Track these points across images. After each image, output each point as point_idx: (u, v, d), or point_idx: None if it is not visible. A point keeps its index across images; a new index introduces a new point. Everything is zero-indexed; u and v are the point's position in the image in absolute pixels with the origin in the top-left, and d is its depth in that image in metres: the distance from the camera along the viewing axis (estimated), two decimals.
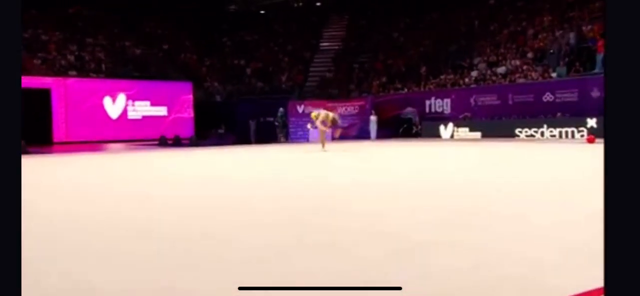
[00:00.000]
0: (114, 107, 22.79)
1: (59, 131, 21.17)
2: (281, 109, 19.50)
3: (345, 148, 13.76)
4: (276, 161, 9.16)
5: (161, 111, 24.04)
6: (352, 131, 22.37)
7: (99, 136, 21.89)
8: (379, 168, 7.86)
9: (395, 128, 20.90)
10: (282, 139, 19.21)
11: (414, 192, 5.62)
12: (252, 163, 8.56)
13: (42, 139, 20.06)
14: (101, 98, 22.42)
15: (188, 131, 24.36)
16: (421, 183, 6.10)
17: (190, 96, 24.77)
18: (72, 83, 21.80)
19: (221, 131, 24.65)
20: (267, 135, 20.39)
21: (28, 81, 19.10)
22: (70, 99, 21.55)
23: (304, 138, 21.57)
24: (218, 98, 26.28)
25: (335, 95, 24.93)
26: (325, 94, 25.28)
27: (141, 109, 23.48)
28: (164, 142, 17.68)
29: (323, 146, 10.55)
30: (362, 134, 21.55)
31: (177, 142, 17.66)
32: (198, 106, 24.83)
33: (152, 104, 23.71)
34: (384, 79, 24.58)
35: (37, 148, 16.64)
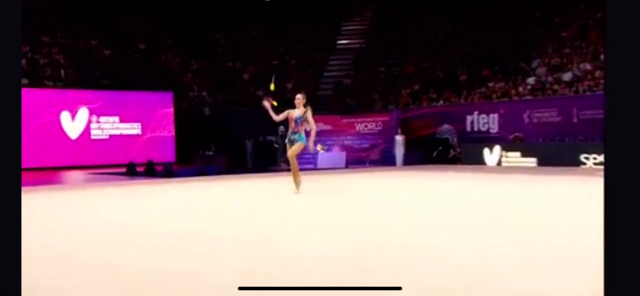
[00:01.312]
0: (73, 124, 23.11)
1: None
2: (282, 128, 19.50)
3: (358, 180, 13.57)
4: (266, 203, 8.87)
5: (133, 129, 24.37)
6: (373, 154, 22.23)
7: (54, 161, 22.17)
8: (402, 231, 5.93)
9: (428, 151, 20.69)
10: (284, 165, 19.20)
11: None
12: (240, 207, 8.33)
13: None
14: (58, 114, 22.75)
15: (167, 154, 24.55)
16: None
17: (171, 109, 25.05)
18: (23, 93, 22.00)
19: (210, 153, 24.81)
20: (268, 158, 20.40)
21: None
22: (21, 114, 21.88)
23: (311, 163, 21.51)
24: (206, 111, 26.54)
25: (354, 108, 24.88)
26: (341, 106, 25.28)
27: (107, 127, 23.81)
28: (132, 171, 17.79)
29: (296, 182, 9.11)
30: (386, 158, 21.46)
31: (149, 171, 17.74)
32: (181, 121, 25.20)
33: (122, 120, 24.05)
34: (415, 87, 24.46)
35: None
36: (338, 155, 21.44)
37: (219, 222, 6.68)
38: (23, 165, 20.49)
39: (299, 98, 9.18)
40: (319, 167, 20.39)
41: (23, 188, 12.43)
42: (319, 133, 23.34)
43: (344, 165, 20.18)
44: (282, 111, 9.61)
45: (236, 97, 26.93)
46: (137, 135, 24.33)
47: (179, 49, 28.22)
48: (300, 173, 9.53)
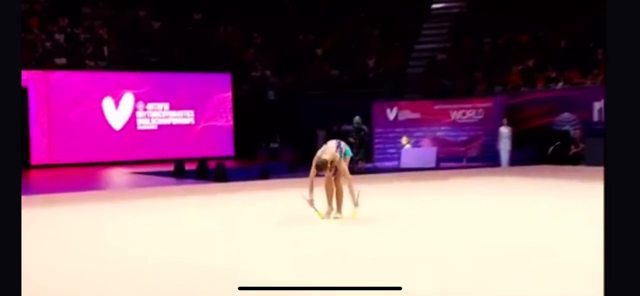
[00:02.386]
0: (117, 112, 23.89)
1: (38, 149, 22.60)
2: (357, 118, 19.37)
3: (449, 190, 13.26)
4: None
5: (185, 118, 24.93)
6: (471, 150, 21.77)
7: (95, 156, 23.02)
8: None
9: (541, 147, 20.04)
10: (360, 163, 19.11)
11: None
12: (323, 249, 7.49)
13: None
14: (99, 101, 23.59)
15: (225, 147, 25.02)
16: None
17: (229, 93, 25.48)
18: (58, 78, 23.11)
19: (275, 145, 25.15)
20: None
21: None
22: (55, 102, 22.87)
23: (395, 159, 21.33)
24: (271, 95, 26.86)
25: (450, 91, 24.42)
26: (434, 89, 24.86)
27: (156, 115, 24.47)
28: (180, 171, 18.21)
29: (337, 208, 8.93)
30: (488, 155, 21.00)
31: (201, 171, 18.09)
32: (241, 108, 25.53)
33: (173, 107, 24.65)
34: (529, 63, 23.71)
35: None
36: (427, 151, 21.23)
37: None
38: (62, 160, 21.62)
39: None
40: (402, 165, 20.29)
41: (54, 196, 13.08)
42: (403, 124, 23.20)
43: (433, 164, 19.96)
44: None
45: (307, 78, 27.06)
46: (190, 125, 24.88)
47: (240, 19, 28.70)
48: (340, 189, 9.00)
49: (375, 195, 12.47)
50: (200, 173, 17.83)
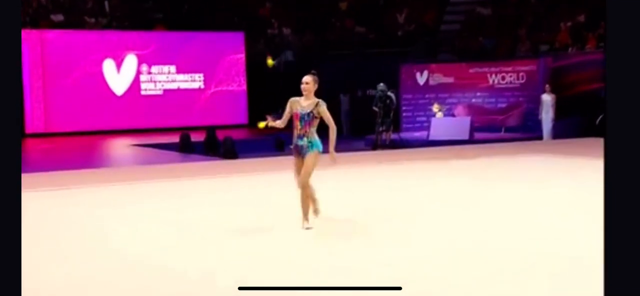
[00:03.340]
0: (119, 76, 23.87)
1: (33, 117, 22.64)
2: (382, 85, 19.16)
3: (480, 174, 13.02)
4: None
5: (194, 82, 24.84)
6: (510, 119, 21.40)
7: (95, 125, 22.96)
8: None
9: (589, 117, 19.72)
10: (385, 134, 18.98)
11: None
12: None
13: None
14: (99, 63, 23.52)
15: (237, 114, 24.91)
16: None
17: (243, 55, 25.35)
18: (54, 38, 23.02)
19: None
20: (368, 121, 20.34)
21: None
22: (51, 64, 22.87)
23: (424, 129, 21.14)
24: (289, 56, 26.59)
25: (490, 51, 24.05)
26: (471, 49, 24.51)
27: (161, 79, 24.41)
28: (186, 144, 18.14)
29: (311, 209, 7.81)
30: (528, 125, 20.54)
31: (210, 144, 18.00)
32: (255, 71, 25.26)
33: (180, 70, 24.56)
34: (580, 19, 23.28)
35: None
36: (460, 121, 20.82)
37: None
38: (57, 129, 21.82)
39: (309, 82, 7.63)
40: (432, 137, 19.97)
41: (47, 176, 13.18)
42: (435, 89, 22.94)
43: (467, 136, 19.57)
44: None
45: (328, 36, 26.76)
46: (199, 90, 24.84)
47: None
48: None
49: (395, 178, 12.19)
50: (208, 147, 17.79)
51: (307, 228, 7.53)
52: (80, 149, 19.03)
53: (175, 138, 19.01)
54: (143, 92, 24.31)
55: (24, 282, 5.40)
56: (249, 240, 7.24)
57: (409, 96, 23.08)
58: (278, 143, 19.07)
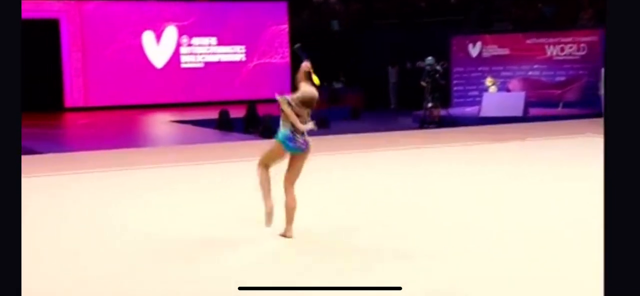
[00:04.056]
0: (158, 48, 24.24)
1: (72, 90, 23.08)
2: (430, 59, 19.27)
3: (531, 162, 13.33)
4: None
5: (235, 54, 25.15)
6: (569, 93, 21.19)
7: (134, 99, 23.25)
8: None
9: None
10: (434, 111, 19.07)
11: None
12: None
13: (46, 103, 22.27)
14: (138, 35, 23.90)
15: (280, 88, 24.99)
16: None
17: (286, 25, 25.52)
18: (93, 9, 23.29)
19: (338, 85, 25.39)
20: (416, 95, 20.51)
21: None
22: (90, 37, 23.23)
23: (476, 104, 21.20)
24: (335, 25, 26.84)
25: (549, 19, 23.80)
26: (529, 18, 24.32)
27: (202, 51, 24.75)
28: (225, 122, 18.38)
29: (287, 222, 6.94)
30: (587, 100, 20.19)
31: (250, 120, 18.21)
32: (299, 42, 25.42)
33: (221, 42, 24.85)
34: None
35: (34, 122, 18.88)
36: (513, 96, 20.60)
37: None
38: (96, 103, 22.55)
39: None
40: (483, 114, 19.89)
41: (84, 156, 13.72)
42: (488, 62, 22.92)
43: (521, 112, 19.38)
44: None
45: (376, 5, 26.57)
46: (241, 63, 25.06)
47: None
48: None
49: (441, 162, 12.13)
50: (248, 123, 18.19)
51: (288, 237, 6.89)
52: (117, 127, 19.41)
53: (215, 114, 19.02)
54: (183, 65, 24.41)
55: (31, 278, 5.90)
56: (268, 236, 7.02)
57: (461, 69, 23.04)
58: (320, 121, 19.37)
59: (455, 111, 20.91)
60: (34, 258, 6.48)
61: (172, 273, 6.08)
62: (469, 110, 21.37)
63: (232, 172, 11.59)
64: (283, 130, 6.77)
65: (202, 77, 24.55)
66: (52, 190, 10.28)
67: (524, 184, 9.80)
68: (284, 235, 6.82)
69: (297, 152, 6.79)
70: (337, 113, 21.21)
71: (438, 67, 19.28)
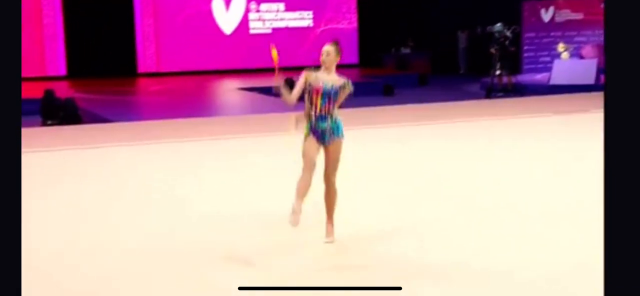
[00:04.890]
0: (227, 15, 24.20)
1: (145, 56, 23.42)
2: (499, 25, 18.74)
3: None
4: None
5: (303, 20, 24.65)
6: None
7: (204, 64, 23.48)
8: None
9: None
10: (505, 77, 18.59)
11: None
12: None
13: (120, 69, 23.10)
14: (209, 2, 23.92)
15: (348, 53, 24.77)
16: None
17: None
18: None
19: (406, 51, 25.04)
20: (486, 61, 20.04)
21: None
22: (162, 3, 23.44)
23: (547, 70, 20.59)
24: None
25: None
26: None
27: (270, 17, 24.47)
28: (290, 82, 18.43)
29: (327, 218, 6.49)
30: None
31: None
32: (366, 7, 24.56)
33: (289, 8, 24.46)
34: None
35: (108, 88, 19.33)
36: (584, 63, 19.77)
37: None
38: (168, 69, 22.76)
39: (330, 53, 6.34)
40: (553, 81, 19.25)
41: (156, 125, 13.91)
42: (561, 27, 22.19)
43: (593, 80, 18.60)
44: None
45: None
46: (308, 28, 24.64)
47: None
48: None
49: (502, 138, 11.94)
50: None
51: (329, 242, 6.36)
52: (187, 94, 19.78)
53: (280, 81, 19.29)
54: (251, 31, 24.35)
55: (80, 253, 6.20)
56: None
57: (532, 35, 22.34)
58: (386, 89, 19.18)
59: (525, 78, 20.35)
60: (85, 232, 6.85)
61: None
62: (540, 77, 20.76)
63: (292, 145, 11.43)
64: (340, 122, 6.30)
65: (270, 43, 24.32)
66: (117, 160, 10.60)
67: (588, 164, 9.12)
68: (327, 239, 6.37)
69: (323, 142, 6.19)
70: (404, 80, 20.94)
71: (508, 33, 18.73)
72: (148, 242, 6.54)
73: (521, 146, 10.98)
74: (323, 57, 6.31)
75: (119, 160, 10.65)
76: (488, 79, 18.67)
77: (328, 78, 6.25)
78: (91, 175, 9.68)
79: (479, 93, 18.95)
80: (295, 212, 5.89)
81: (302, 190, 6.00)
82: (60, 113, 14.63)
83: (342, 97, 6.26)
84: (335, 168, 6.26)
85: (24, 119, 14.62)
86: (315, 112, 6.19)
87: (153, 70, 23.73)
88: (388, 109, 16.03)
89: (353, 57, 25.45)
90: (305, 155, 6.14)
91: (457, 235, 6.61)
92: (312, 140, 6.17)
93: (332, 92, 6.19)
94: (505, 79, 18.43)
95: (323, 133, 6.15)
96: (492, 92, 18.18)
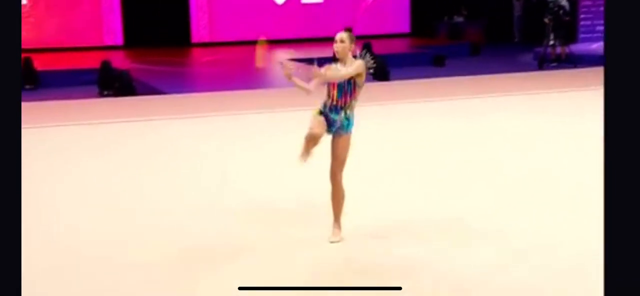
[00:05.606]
0: None
1: (198, 26, 23.45)
2: None
3: None
4: None
5: None
6: None
7: (257, 34, 23.53)
8: None
9: None
10: (559, 47, 18.15)
11: None
12: None
13: (174, 38, 23.05)
14: None
15: (399, 22, 24.51)
16: None
17: None
18: None
19: (459, 19, 24.60)
20: (541, 30, 19.63)
21: None
22: None
23: (600, 38, 20.09)
24: None
25: None
26: None
27: None
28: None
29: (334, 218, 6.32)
30: None
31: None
32: None
33: None
34: None
35: (162, 59, 19.47)
36: None
37: None
38: (221, 39, 22.71)
39: (344, 40, 6.02)
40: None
41: (208, 98, 13.93)
42: None
43: None
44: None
45: None
46: None
47: None
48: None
49: (548, 113, 11.63)
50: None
51: (334, 242, 6.15)
52: (239, 65, 19.75)
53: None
54: (303, 0, 24.17)
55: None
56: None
57: (589, 2, 21.84)
58: (437, 59, 18.91)
59: (580, 47, 19.86)
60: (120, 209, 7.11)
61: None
62: (595, 46, 20.21)
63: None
64: (353, 117, 6.13)
65: (322, 12, 24.05)
66: (164, 132, 10.77)
67: None
68: (333, 239, 6.17)
69: (330, 130, 5.98)
70: (456, 50, 20.58)
71: (563, 2, 18.27)
72: (159, 228, 6.65)
73: (572, 123, 10.80)
74: (336, 46, 6.02)
75: (167, 133, 10.79)
76: (541, 49, 18.28)
77: (341, 69, 5.99)
78: (133, 148, 9.98)
79: (531, 63, 18.70)
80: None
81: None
82: (115, 84, 14.79)
83: (360, 82, 5.99)
84: (341, 164, 6.03)
85: (82, 89, 15.14)
86: (331, 102, 6.02)
87: (206, 39, 23.68)
88: (436, 82, 15.83)
89: (405, 26, 24.92)
90: (311, 127, 5.95)
91: (503, 228, 6.45)
92: (321, 119, 6.00)
93: (348, 85, 5.96)
94: (558, 49, 18.03)
95: (332, 123, 5.98)
96: (544, 62, 17.82)
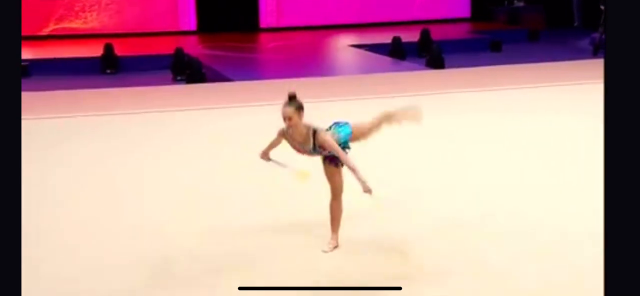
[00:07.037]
0: None
1: (267, 12, 23.61)
2: None
3: None
4: None
5: None
6: None
7: (321, 19, 23.25)
8: None
9: None
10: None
11: None
12: None
13: (244, 24, 23.23)
14: None
15: (458, 6, 24.10)
16: None
17: None
18: None
19: (519, 4, 24.28)
20: (599, 15, 19.33)
21: None
22: None
23: None
24: None
25: None
26: None
27: None
28: (398, 49, 17.43)
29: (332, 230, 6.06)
30: None
31: (423, 45, 18.34)
32: None
33: None
34: None
35: (229, 44, 19.93)
36: None
37: None
38: (288, 24, 22.88)
39: (291, 116, 5.40)
40: None
41: (276, 85, 13.29)
42: None
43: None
44: None
45: None
46: None
47: None
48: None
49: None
50: (421, 50, 18.04)
51: (326, 251, 5.87)
52: (305, 51, 19.81)
53: (389, 37, 18.29)
54: None
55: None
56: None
57: None
58: (493, 45, 18.84)
59: None
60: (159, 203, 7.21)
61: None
62: None
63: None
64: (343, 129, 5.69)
65: None
66: (222, 121, 10.75)
67: None
68: (326, 248, 5.90)
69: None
70: (513, 36, 20.38)
71: None
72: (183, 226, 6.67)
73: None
74: (286, 125, 5.47)
75: (222, 123, 10.75)
76: (596, 35, 18.07)
77: (300, 139, 5.52)
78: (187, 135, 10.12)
79: (587, 49, 18.38)
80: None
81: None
82: (187, 71, 15.31)
83: (326, 146, 5.46)
84: (335, 192, 5.76)
85: (155, 74, 15.68)
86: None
87: (273, 25, 23.94)
88: (491, 69, 15.68)
89: (465, 11, 24.38)
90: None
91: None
92: (326, 166, 5.76)
93: (316, 154, 5.59)
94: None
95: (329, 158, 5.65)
96: (599, 49, 17.61)
